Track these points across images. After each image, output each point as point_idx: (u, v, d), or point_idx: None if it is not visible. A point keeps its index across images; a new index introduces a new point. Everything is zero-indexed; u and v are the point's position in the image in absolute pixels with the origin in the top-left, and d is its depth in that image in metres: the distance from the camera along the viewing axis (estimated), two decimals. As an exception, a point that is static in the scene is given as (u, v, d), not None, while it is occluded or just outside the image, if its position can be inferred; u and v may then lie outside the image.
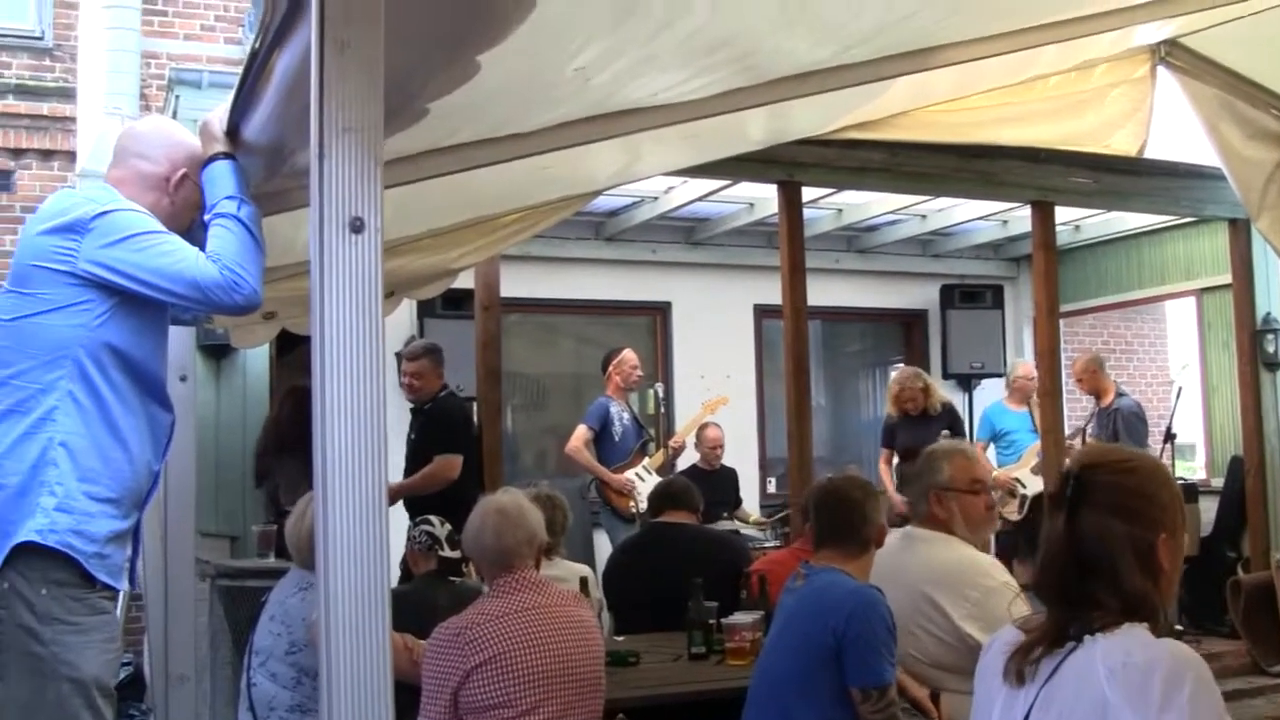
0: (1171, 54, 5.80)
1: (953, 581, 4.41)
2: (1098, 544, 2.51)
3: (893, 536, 4.56)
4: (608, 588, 6.27)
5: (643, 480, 9.39)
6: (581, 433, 9.51)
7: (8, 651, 3.34)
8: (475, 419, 7.79)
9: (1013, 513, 10.28)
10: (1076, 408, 11.40)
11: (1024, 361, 11.07)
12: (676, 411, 11.34)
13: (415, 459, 7.62)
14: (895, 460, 10.37)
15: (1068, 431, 9.27)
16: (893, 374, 11.23)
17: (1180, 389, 11.18)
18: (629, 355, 9.82)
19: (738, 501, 10.53)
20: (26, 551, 3.30)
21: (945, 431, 9.69)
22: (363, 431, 2.02)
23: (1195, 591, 6.60)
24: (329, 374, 2.01)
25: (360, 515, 1.98)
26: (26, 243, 3.51)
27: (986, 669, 2.72)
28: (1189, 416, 12.48)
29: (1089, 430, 10.33)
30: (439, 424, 7.66)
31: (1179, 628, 2.32)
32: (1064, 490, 2.58)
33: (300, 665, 4.31)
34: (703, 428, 10.38)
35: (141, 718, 7.86)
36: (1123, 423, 10.15)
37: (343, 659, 1.94)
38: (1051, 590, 2.58)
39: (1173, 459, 10.78)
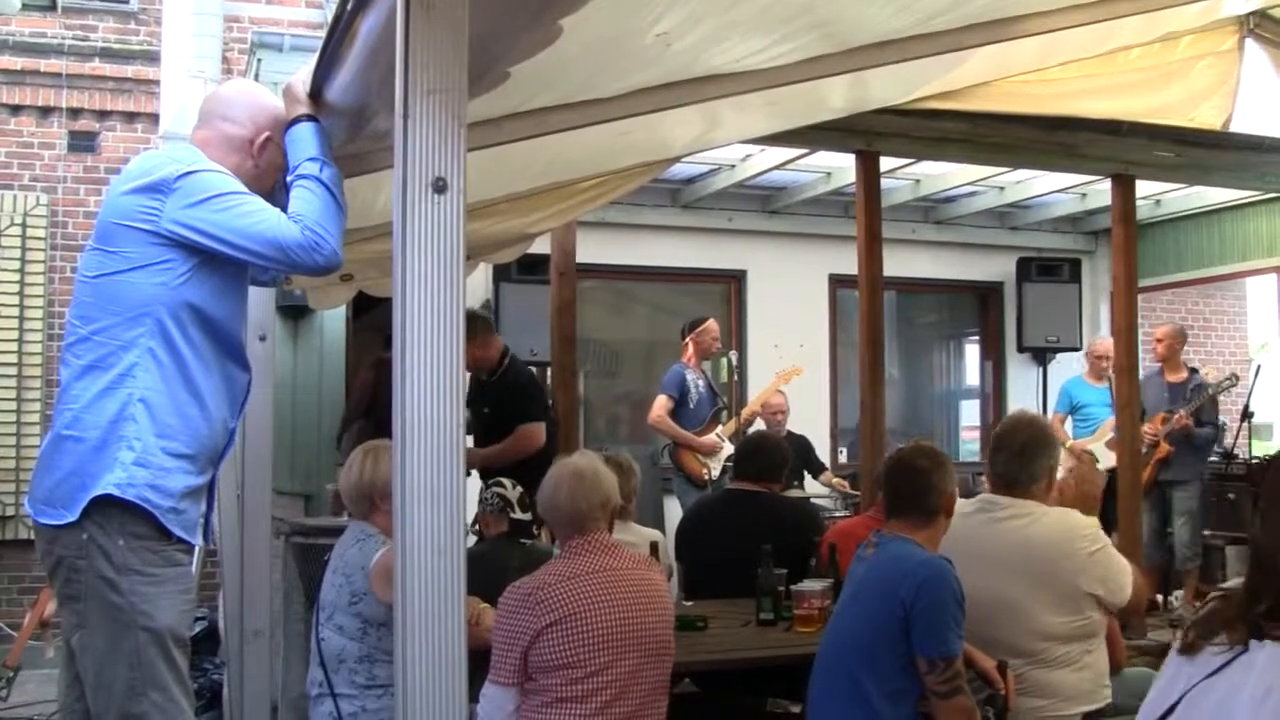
0: (1260, 26, 5.71)
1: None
2: None
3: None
4: (678, 551, 6.28)
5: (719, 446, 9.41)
6: (663, 402, 9.51)
7: (87, 600, 3.41)
8: (548, 383, 7.79)
9: (1087, 485, 10.21)
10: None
11: (1102, 338, 10.96)
12: (750, 379, 11.33)
13: (491, 431, 7.52)
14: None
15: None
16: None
17: (1259, 367, 11.06)
18: (712, 325, 9.81)
19: (818, 467, 10.51)
20: (105, 504, 3.36)
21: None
22: (442, 388, 2.04)
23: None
24: (410, 329, 2.03)
25: (438, 472, 2.01)
26: (111, 202, 3.55)
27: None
28: (1267, 395, 12.34)
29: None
30: (515, 393, 7.59)
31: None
32: None
33: (364, 615, 4.33)
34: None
35: (216, 671, 7.97)
36: (1210, 399, 10.05)
37: (417, 605, 1.97)
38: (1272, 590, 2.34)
39: (1249, 438, 10.70)
